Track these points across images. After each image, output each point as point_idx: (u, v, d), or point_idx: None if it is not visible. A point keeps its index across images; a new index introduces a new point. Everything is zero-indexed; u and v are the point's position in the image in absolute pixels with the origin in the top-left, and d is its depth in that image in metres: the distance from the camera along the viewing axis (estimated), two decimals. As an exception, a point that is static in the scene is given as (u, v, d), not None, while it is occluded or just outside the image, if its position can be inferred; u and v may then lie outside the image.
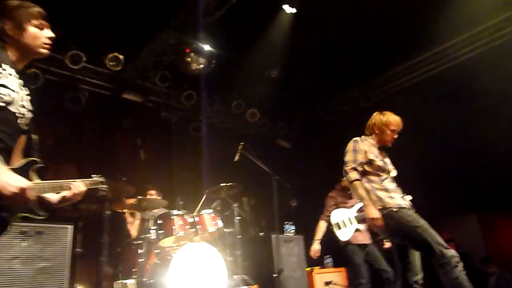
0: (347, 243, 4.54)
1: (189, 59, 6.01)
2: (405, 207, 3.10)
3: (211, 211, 4.56)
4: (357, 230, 4.58)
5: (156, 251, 4.24)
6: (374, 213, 2.95)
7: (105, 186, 2.39)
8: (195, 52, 5.97)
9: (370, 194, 3.10)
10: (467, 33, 6.35)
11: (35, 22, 1.90)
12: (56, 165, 5.66)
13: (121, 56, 5.90)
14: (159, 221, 4.33)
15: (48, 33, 1.96)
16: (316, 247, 5.05)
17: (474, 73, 6.01)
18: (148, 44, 6.18)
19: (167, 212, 4.54)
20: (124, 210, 4.81)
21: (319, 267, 5.70)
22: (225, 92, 7.53)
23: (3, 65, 1.75)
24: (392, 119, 3.41)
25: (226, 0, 5.44)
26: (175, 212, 4.34)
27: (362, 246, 4.57)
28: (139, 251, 4.19)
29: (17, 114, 1.80)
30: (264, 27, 6.18)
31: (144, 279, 3.95)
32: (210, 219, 4.48)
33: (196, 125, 7.42)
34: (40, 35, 1.92)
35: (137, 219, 5.22)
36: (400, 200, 3.12)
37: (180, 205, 4.53)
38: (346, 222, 4.63)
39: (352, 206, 4.73)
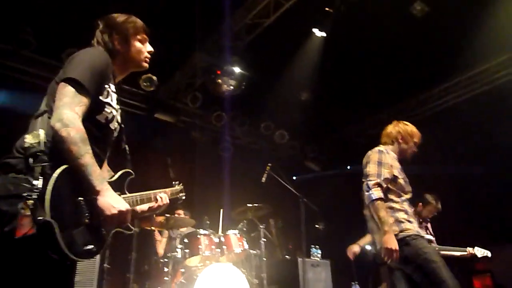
0: (394, 268, 4.31)
1: (220, 81, 6.14)
2: (423, 236, 2.81)
3: (237, 231, 4.56)
4: None
5: (182, 270, 4.25)
6: (393, 243, 2.59)
7: (184, 194, 2.36)
8: (226, 74, 6.10)
9: (389, 216, 2.74)
10: (503, 57, 6.20)
11: (139, 36, 1.92)
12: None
13: (154, 78, 6.11)
14: (185, 240, 4.35)
15: (149, 47, 1.98)
16: (355, 248, 4.71)
17: (508, 98, 5.84)
18: (181, 66, 6.38)
19: (194, 231, 4.57)
20: (152, 228, 4.87)
21: (347, 294, 5.53)
22: (255, 114, 7.61)
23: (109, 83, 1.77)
24: (416, 130, 3.16)
25: (257, 24, 5.56)
26: (201, 231, 4.36)
27: None
28: (165, 270, 4.21)
29: (114, 130, 1.84)
30: (294, 51, 6.25)
31: (169, 298, 3.95)
32: (236, 240, 4.46)
33: (225, 145, 7.51)
34: (143, 49, 1.95)
35: (164, 237, 5.27)
36: (417, 226, 2.84)
37: (207, 224, 4.55)
38: None
39: None
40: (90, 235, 1.52)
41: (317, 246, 5.74)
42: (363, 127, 8.19)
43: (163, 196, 2.03)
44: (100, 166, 1.71)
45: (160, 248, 5.20)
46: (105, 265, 4.09)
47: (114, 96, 1.82)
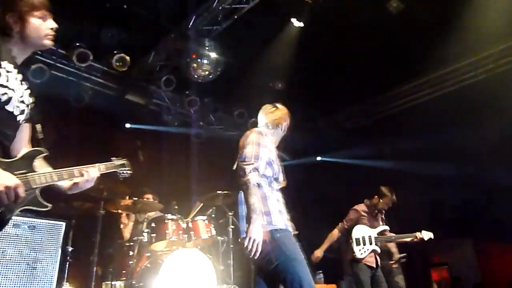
0: (356, 260, 4.49)
1: (195, 65, 6.04)
2: (291, 231, 2.53)
3: (205, 217, 4.55)
4: (373, 251, 4.53)
5: (147, 254, 4.21)
6: (259, 234, 2.27)
7: (127, 169, 2.30)
8: (202, 59, 6.01)
9: (260, 204, 2.44)
10: (472, 58, 6.40)
11: (37, 13, 1.83)
12: (55, 159, 5.66)
13: (127, 57, 5.94)
14: (152, 224, 4.31)
15: (51, 23, 1.88)
16: (318, 254, 4.86)
17: (477, 99, 6.05)
18: (155, 47, 6.23)
19: (161, 215, 4.53)
20: (119, 211, 4.78)
21: (310, 282, 5.65)
22: (229, 100, 7.56)
23: (2, 63, 1.70)
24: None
25: (236, 9, 5.49)
26: (169, 216, 4.32)
27: (370, 267, 4.53)
28: (130, 253, 4.16)
29: (15, 113, 1.77)
30: (271, 39, 6.23)
31: (133, 282, 3.91)
32: (204, 226, 4.46)
33: (197, 131, 7.44)
34: (43, 26, 1.85)
35: (131, 221, 5.19)
36: (287, 220, 2.56)
37: (175, 209, 4.51)
38: (366, 240, 4.59)
39: (376, 227, 4.69)
40: None
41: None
42: (335, 119, 8.32)
43: (90, 171, 1.98)
44: (2, 149, 1.69)
45: (126, 232, 5.12)
46: (68, 247, 4.00)
47: (12, 76, 1.75)
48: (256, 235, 2.27)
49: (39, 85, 5.44)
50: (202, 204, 4.90)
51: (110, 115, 6.53)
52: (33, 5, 1.82)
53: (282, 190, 2.71)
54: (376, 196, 4.78)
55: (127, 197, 4.46)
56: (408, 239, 4.60)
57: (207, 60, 6.04)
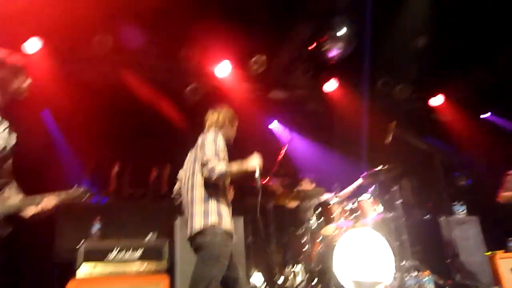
0: None
1: (327, 46, 5.97)
2: (231, 236, 2.63)
3: (369, 196, 4.47)
4: None
5: (319, 239, 4.36)
6: (254, 161, 2.65)
7: (89, 195, 2.48)
8: (332, 39, 5.89)
9: (212, 204, 2.58)
10: None
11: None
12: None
13: (263, 57, 6.22)
14: (318, 210, 4.44)
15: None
16: None
17: None
18: (285, 40, 6.35)
19: (325, 200, 4.63)
20: (285, 202, 5.06)
21: (502, 251, 5.02)
22: (370, 71, 7.21)
23: None
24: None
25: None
26: (333, 200, 4.39)
27: None
28: (303, 240, 4.38)
29: None
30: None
31: (312, 266, 4.11)
32: (369, 205, 4.39)
33: (341, 112, 7.34)
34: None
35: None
36: (231, 225, 2.66)
37: (337, 192, 4.56)
38: None
39: None
40: None
41: (461, 202, 5.31)
42: (495, 65, 7.03)
43: (47, 199, 2.24)
44: None
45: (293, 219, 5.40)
46: (249, 238, 4.44)
47: None
48: (253, 162, 2.64)
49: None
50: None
51: (258, 116, 6.94)
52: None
53: None
54: None
55: (288, 188, 4.69)
56: None
57: (338, 38, 5.89)
